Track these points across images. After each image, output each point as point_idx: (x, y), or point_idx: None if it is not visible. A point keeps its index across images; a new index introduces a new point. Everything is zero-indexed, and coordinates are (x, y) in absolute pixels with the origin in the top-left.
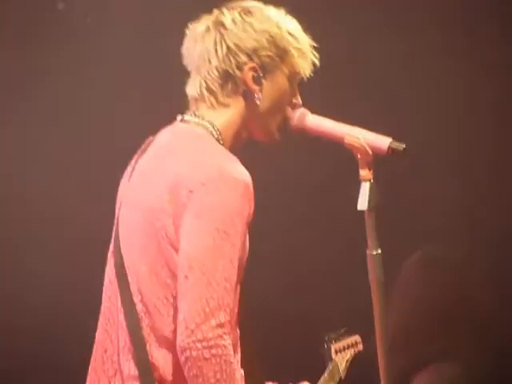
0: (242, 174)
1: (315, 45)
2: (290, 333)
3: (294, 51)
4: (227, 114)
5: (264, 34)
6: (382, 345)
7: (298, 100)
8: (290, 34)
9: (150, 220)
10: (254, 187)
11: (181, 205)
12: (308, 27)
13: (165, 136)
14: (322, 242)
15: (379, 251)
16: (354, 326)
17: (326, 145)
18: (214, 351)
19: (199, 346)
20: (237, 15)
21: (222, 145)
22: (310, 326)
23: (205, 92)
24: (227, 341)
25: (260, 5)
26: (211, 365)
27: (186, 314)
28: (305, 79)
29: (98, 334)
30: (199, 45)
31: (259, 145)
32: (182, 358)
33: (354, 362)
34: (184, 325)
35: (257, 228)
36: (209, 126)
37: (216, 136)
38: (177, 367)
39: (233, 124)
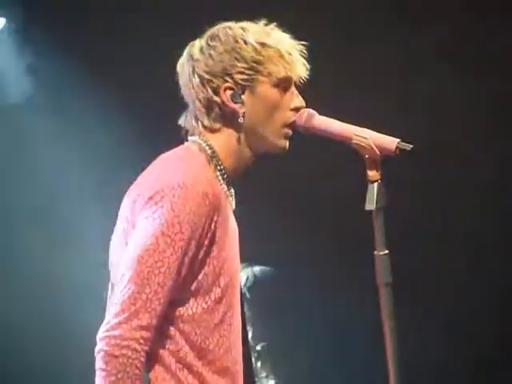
0: (204, 186)
1: (301, 45)
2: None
3: (265, 59)
4: (220, 138)
5: (229, 53)
6: (391, 347)
7: (299, 102)
8: (259, 43)
9: (120, 226)
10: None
11: (137, 212)
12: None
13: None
14: (329, 239)
15: (386, 252)
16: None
17: (330, 146)
18: (124, 351)
19: (113, 342)
20: (203, 43)
21: (220, 165)
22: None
23: (193, 122)
24: (143, 346)
25: (230, 24)
26: (117, 363)
27: (112, 309)
28: (299, 81)
29: None
30: (181, 80)
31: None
32: (96, 348)
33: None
34: (108, 318)
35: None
36: (203, 144)
37: (210, 153)
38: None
39: (230, 146)
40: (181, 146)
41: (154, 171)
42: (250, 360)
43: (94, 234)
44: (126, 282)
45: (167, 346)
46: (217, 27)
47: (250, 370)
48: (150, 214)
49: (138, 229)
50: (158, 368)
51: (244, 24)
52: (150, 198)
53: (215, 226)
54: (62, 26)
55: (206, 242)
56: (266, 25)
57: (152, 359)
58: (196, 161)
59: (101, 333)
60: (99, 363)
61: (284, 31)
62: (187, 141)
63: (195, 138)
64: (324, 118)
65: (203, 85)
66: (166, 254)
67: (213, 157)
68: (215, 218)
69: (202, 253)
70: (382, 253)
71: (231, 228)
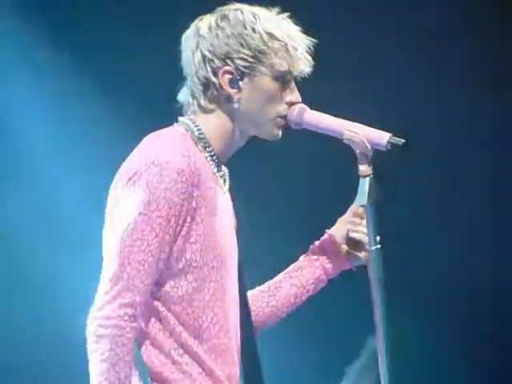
0: (179, 163)
1: (310, 41)
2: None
3: (270, 51)
4: (213, 118)
5: (236, 38)
6: (382, 342)
7: (295, 97)
8: (267, 33)
9: (108, 212)
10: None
11: (117, 193)
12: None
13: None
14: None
15: (379, 246)
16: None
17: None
18: (109, 330)
19: (99, 322)
20: (212, 21)
21: (209, 146)
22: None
23: (190, 99)
24: (128, 323)
25: (243, 7)
26: (104, 343)
27: (98, 291)
28: (300, 76)
29: None
30: (183, 53)
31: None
32: (86, 332)
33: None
34: (95, 301)
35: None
36: (191, 125)
37: (197, 135)
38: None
39: (220, 127)
40: (167, 128)
41: (134, 152)
42: (253, 337)
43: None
44: (108, 264)
45: (160, 328)
46: (229, 7)
47: (253, 347)
48: (129, 194)
49: (118, 210)
50: (152, 350)
51: (256, 10)
52: (129, 179)
53: (196, 203)
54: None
55: (188, 219)
56: (279, 13)
57: (146, 342)
58: (176, 139)
59: (89, 316)
60: (89, 345)
61: (296, 23)
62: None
63: (183, 118)
64: (315, 112)
65: (204, 63)
66: (145, 232)
67: (200, 138)
68: (195, 195)
69: (185, 230)
70: (374, 248)
71: (221, 208)
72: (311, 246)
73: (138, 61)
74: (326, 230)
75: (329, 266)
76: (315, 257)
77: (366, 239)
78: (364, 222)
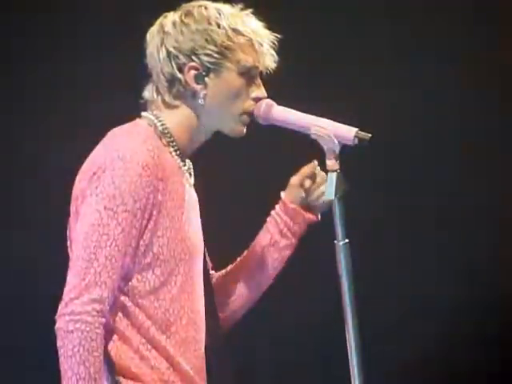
0: (144, 157)
1: (274, 36)
2: None
3: (236, 46)
4: (178, 114)
5: (200, 33)
6: (353, 339)
7: (260, 92)
8: (232, 29)
9: (72, 209)
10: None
11: (82, 189)
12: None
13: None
14: None
15: (347, 241)
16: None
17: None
18: (77, 325)
19: (67, 318)
20: (177, 18)
21: (173, 141)
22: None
23: (155, 95)
24: (96, 318)
25: (207, 3)
26: (72, 338)
27: (65, 287)
28: (265, 72)
29: None
30: (148, 50)
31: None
32: (54, 328)
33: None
34: (63, 297)
35: None
36: (155, 120)
37: (161, 129)
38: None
39: (184, 123)
40: (129, 123)
41: (98, 147)
42: (219, 328)
43: None
44: (75, 260)
45: (128, 323)
46: (193, 4)
47: (219, 340)
48: (93, 189)
49: (83, 206)
50: (120, 346)
51: (220, 6)
52: (94, 174)
53: (162, 196)
54: None
55: (154, 213)
56: (243, 9)
57: (114, 337)
58: (139, 133)
59: (58, 312)
60: (58, 341)
61: (260, 19)
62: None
63: (146, 113)
64: (282, 108)
65: (169, 59)
66: (111, 227)
67: (164, 133)
68: (160, 188)
69: (151, 223)
70: (342, 243)
71: (187, 201)
72: (268, 218)
73: (103, 57)
74: (282, 196)
75: (293, 224)
76: (278, 220)
77: (323, 198)
78: (317, 181)
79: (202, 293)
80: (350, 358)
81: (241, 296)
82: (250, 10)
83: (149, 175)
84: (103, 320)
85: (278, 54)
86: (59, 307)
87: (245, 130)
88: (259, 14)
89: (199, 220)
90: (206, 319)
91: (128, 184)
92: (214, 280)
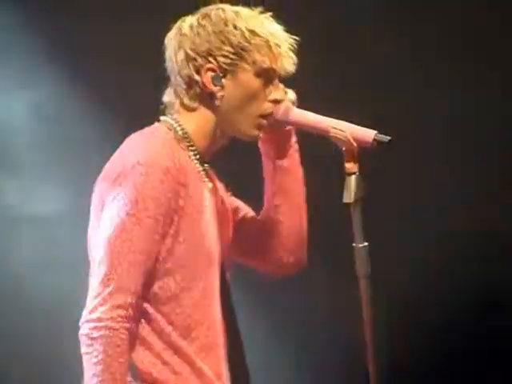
0: (165, 162)
1: (292, 39)
2: None
3: (252, 47)
4: (196, 117)
5: (217, 35)
6: (369, 337)
7: (279, 95)
8: (249, 30)
9: (93, 215)
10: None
11: (105, 196)
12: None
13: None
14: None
15: (366, 244)
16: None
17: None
18: (102, 332)
19: (91, 325)
20: (194, 21)
21: (192, 145)
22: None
23: (173, 98)
24: (121, 324)
25: (225, 6)
26: (96, 344)
27: (89, 294)
28: (283, 74)
29: None
30: (167, 53)
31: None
32: (79, 334)
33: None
34: (86, 304)
35: None
36: (174, 124)
37: (181, 134)
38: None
39: (203, 126)
40: (148, 127)
41: (117, 153)
42: (238, 332)
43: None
44: (98, 266)
45: (150, 329)
46: (211, 7)
47: (239, 344)
48: (115, 195)
49: (105, 212)
50: (142, 352)
51: (238, 8)
52: (115, 180)
53: (183, 201)
54: None
55: (176, 218)
56: (262, 13)
57: (136, 343)
58: (159, 138)
59: (81, 319)
60: (82, 348)
61: (279, 23)
62: (159, 121)
63: (165, 117)
64: (300, 111)
65: (187, 61)
66: (134, 232)
67: (184, 137)
68: (182, 193)
69: (173, 229)
70: (361, 245)
71: (207, 206)
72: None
73: (125, 62)
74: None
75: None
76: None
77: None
78: None
79: (219, 297)
80: (368, 361)
81: (287, 220)
82: (270, 14)
83: (170, 180)
84: (128, 326)
85: (297, 56)
86: (83, 313)
87: (261, 134)
88: (278, 17)
89: (216, 225)
90: (225, 324)
91: (150, 189)
92: (259, 217)
